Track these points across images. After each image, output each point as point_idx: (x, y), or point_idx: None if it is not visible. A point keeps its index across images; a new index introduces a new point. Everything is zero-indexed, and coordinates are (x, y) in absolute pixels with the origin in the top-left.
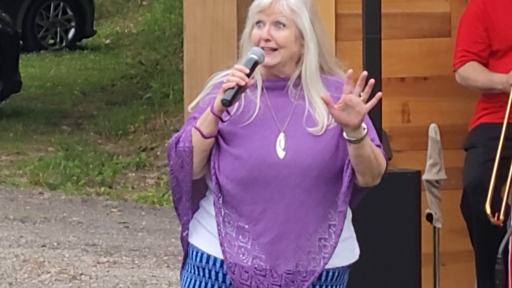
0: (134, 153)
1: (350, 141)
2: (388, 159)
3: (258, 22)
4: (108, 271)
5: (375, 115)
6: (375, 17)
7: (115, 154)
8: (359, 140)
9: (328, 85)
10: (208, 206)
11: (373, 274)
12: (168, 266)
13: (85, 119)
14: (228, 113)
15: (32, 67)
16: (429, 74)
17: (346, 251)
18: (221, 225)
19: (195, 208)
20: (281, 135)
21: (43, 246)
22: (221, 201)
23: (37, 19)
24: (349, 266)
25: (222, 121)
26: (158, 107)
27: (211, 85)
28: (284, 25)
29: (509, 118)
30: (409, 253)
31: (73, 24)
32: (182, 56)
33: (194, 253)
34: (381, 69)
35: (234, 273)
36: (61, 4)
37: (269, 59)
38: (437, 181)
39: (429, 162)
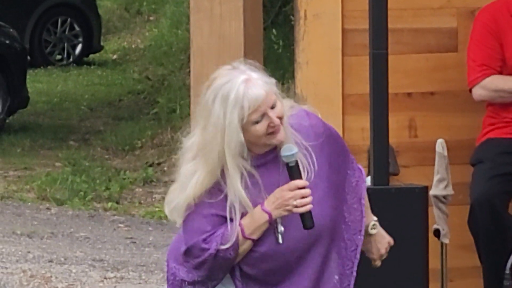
0: (141, 168)
1: None
2: (395, 174)
3: (258, 120)
4: (115, 287)
5: (381, 130)
6: (382, 32)
7: (122, 169)
8: None
9: (298, 132)
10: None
11: None
12: None
13: (92, 134)
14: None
15: (40, 83)
16: (436, 89)
17: None
18: None
19: None
20: (278, 221)
21: (50, 261)
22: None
23: (44, 35)
24: None
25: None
26: (165, 122)
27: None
28: (275, 104)
29: None
30: (417, 269)
31: (80, 39)
32: (189, 71)
33: None
34: (388, 84)
35: None
36: (69, 20)
37: (282, 134)
38: (444, 197)
39: (436, 178)
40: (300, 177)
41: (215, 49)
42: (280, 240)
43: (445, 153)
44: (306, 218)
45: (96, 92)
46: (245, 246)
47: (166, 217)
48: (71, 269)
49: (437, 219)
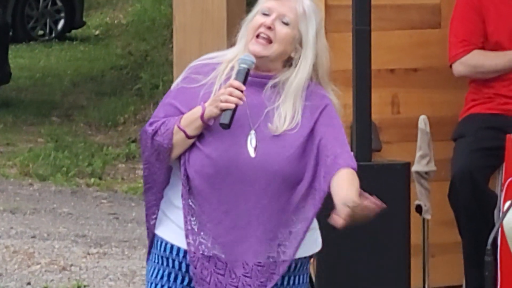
0: (124, 144)
1: None
2: (378, 150)
3: (265, 12)
4: (98, 262)
5: (364, 106)
6: (365, 8)
7: (105, 145)
8: None
9: (309, 95)
10: (173, 196)
11: (362, 266)
12: None
13: (75, 110)
14: (214, 119)
15: (22, 58)
16: (419, 66)
17: (310, 241)
18: (187, 217)
19: (162, 197)
20: (252, 133)
21: (33, 237)
22: (188, 193)
23: (27, 10)
24: (311, 256)
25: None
26: (147, 98)
27: (190, 68)
28: (287, 24)
29: (497, 109)
30: (398, 244)
31: (62, 15)
32: (172, 47)
33: (159, 243)
34: (370, 61)
35: (196, 268)
36: None
37: (261, 49)
38: (426, 173)
39: (418, 154)
40: (241, 82)
41: (197, 24)
42: (252, 154)
43: (428, 129)
44: (224, 115)
45: (78, 67)
46: (178, 137)
47: None
48: (54, 245)
49: (419, 195)
